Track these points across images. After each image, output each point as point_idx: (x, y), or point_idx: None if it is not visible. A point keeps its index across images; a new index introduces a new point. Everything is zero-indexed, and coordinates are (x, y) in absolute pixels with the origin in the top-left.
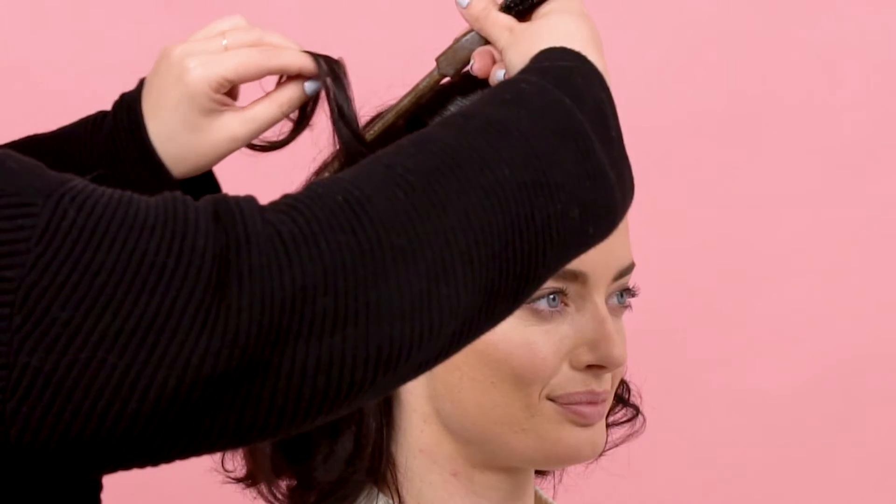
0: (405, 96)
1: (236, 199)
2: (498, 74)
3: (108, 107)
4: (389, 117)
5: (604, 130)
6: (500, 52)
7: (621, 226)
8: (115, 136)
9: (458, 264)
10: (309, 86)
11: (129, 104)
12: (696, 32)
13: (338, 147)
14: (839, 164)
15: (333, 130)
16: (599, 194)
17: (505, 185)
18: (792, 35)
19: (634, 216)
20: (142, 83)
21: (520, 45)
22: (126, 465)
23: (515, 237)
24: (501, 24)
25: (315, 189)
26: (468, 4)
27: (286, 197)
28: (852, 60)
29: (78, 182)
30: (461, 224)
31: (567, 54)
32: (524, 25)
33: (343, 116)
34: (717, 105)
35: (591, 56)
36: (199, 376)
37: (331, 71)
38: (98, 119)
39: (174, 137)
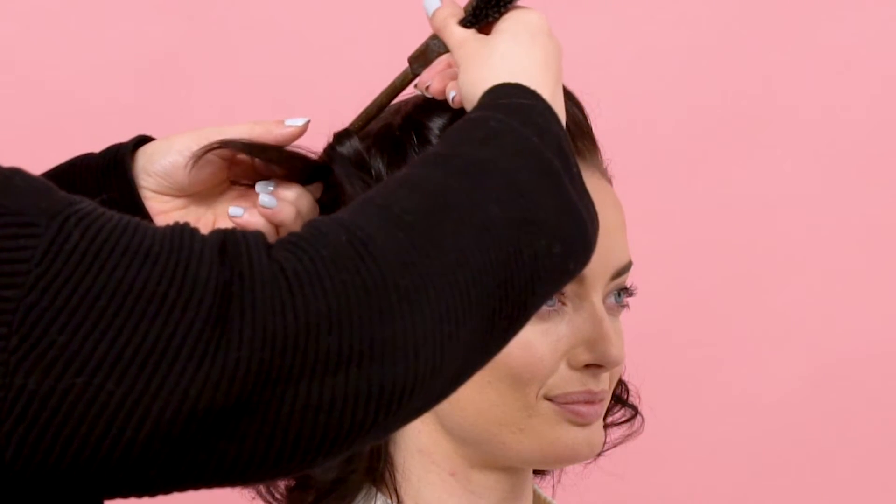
0: (383, 91)
1: (244, 233)
2: (449, 95)
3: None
4: (371, 110)
5: (567, 166)
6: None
7: (619, 224)
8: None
9: (458, 304)
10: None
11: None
12: (698, 32)
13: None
14: (840, 164)
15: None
16: (576, 229)
17: (496, 224)
18: (793, 35)
19: (632, 215)
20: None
21: (469, 70)
22: (120, 493)
23: (508, 274)
24: (457, 39)
25: (318, 227)
26: (433, 13)
27: (290, 235)
28: (854, 60)
29: (86, 205)
30: (459, 263)
31: (521, 91)
32: (477, 45)
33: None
34: (718, 104)
35: (543, 84)
36: (197, 408)
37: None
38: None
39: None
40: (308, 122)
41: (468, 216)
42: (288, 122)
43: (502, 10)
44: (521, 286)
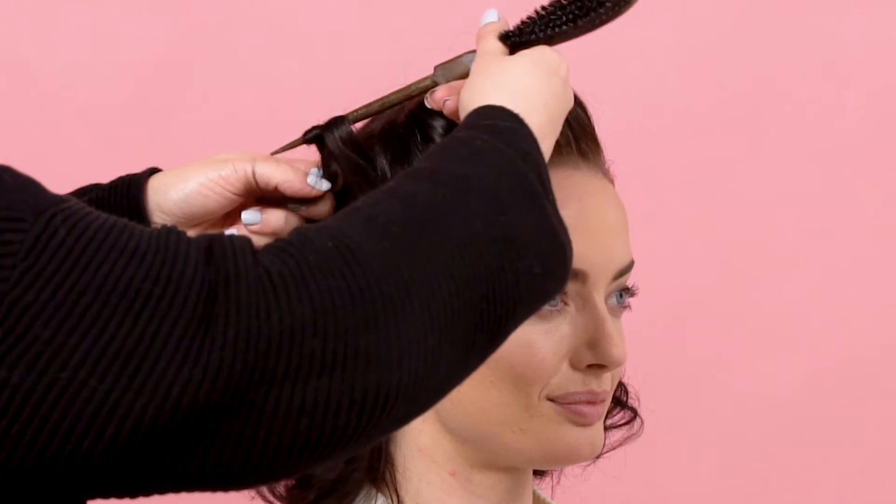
0: (395, 92)
1: (230, 237)
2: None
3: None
4: (374, 107)
5: (546, 192)
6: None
7: (621, 224)
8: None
9: (441, 315)
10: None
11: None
12: (698, 32)
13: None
14: (839, 164)
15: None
16: (555, 251)
17: (480, 239)
18: (793, 35)
19: (634, 216)
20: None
21: (476, 78)
22: (102, 493)
23: (490, 290)
24: (487, 47)
25: (305, 233)
26: (485, 24)
27: (277, 240)
28: (854, 60)
29: (73, 203)
30: (444, 275)
31: (505, 114)
32: (497, 59)
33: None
34: (719, 105)
35: (535, 114)
36: (179, 406)
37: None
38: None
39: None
40: (331, 188)
41: (453, 230)
42: (311, 181)
43: (546, 32)
44: (503, 301)
